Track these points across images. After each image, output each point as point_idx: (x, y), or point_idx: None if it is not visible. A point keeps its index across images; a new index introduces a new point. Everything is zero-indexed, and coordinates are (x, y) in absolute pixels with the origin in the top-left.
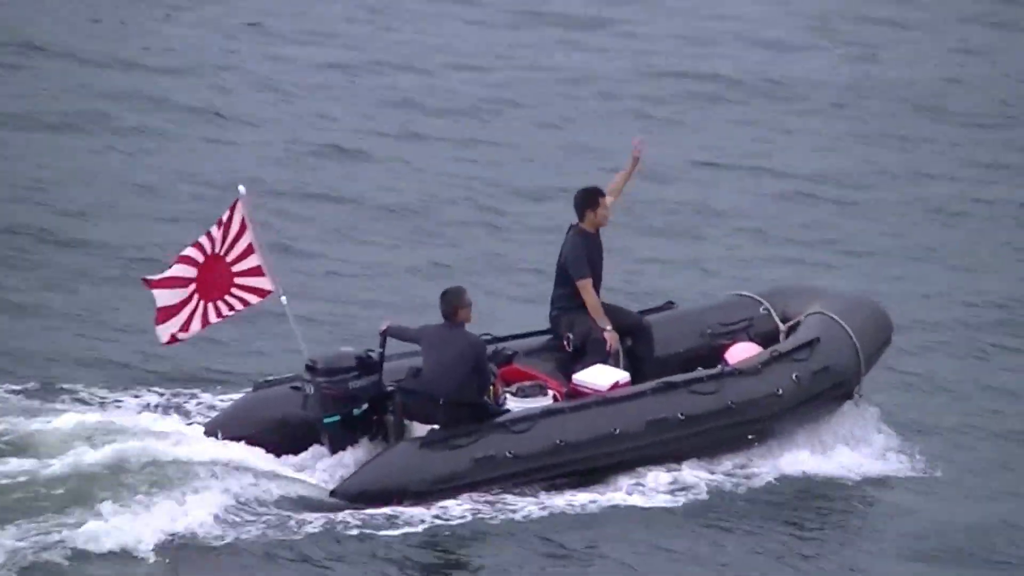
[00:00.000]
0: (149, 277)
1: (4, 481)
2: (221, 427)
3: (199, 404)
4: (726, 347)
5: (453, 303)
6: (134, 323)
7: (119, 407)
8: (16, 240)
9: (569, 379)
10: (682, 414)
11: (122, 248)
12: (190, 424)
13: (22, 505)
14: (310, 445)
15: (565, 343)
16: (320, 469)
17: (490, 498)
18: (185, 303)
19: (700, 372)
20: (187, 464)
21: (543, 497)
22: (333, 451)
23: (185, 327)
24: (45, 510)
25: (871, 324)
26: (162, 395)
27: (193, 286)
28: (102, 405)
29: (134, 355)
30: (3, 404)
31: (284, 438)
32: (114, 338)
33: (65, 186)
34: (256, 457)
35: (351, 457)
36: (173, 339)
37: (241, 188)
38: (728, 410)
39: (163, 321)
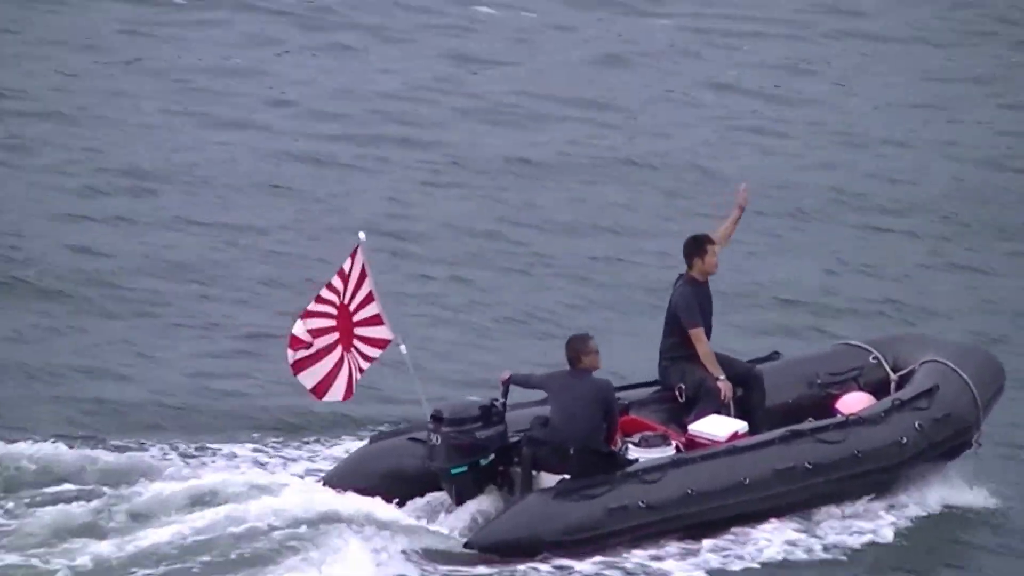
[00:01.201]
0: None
1: (130, 551)
2: (341, 479)
3: (311, 456)
4: (836, 397)
5: (577, 349)
6: (222, 371)
7: (228, 462)
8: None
9: (683, 429)
10: (809, 463)
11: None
12: (307, 478)
13: None
14: (427, 496)
15: (677, 393)
16: (446, 521)
17: (622, 551)
18: (327, 353)
19: (826, 421)
20: (321, 521)
21: (674, 549)
22: (459, 502)
23: (339, 386)
24: None
25: (986, 371)
26: (269, 448)
27: (335, 335)
28: (213, 461)
29: (231, 406)
30: (102, 468)
31: (403, 490)
32: (205, 389)
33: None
34: (385, 510)
35: (477, 508)
36: (321, 393)
37: (361, 235)
38: (854, 459)
39: (300, 370)
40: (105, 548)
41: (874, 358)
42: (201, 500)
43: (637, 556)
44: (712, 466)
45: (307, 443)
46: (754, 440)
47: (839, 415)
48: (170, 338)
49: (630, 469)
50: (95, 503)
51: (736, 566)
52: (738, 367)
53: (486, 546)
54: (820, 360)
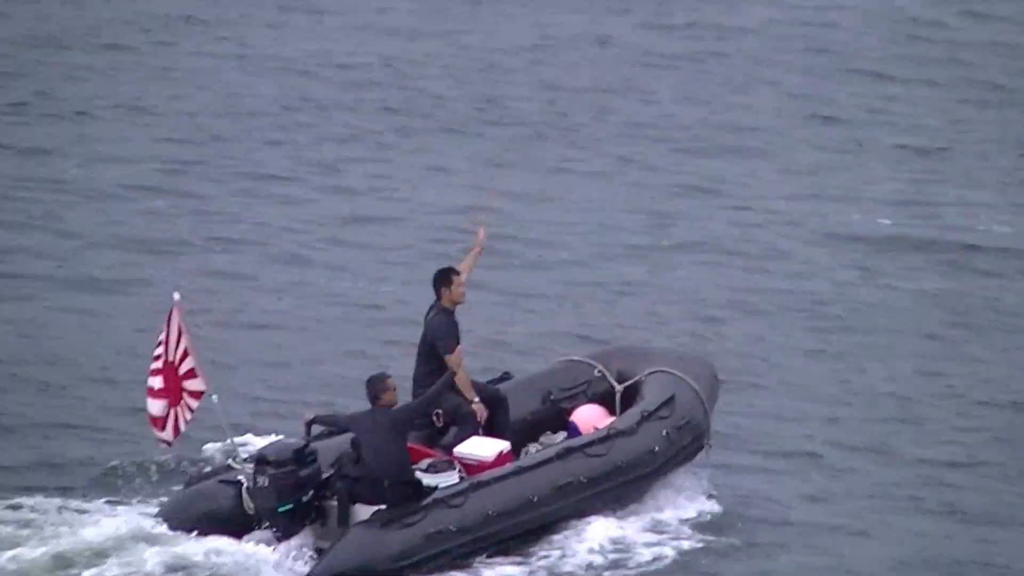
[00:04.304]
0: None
1: None
2: (169, 522)
3: (127, 503)
4: (569, 411)
5: (376, 388)
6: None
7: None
8: None
9: (445, 452)
10: (584, 477)
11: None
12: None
13: None
14: (249, 533)
15: (435, 418)
16: (276, 556)
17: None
18: (164, 405)
19: (591, 436)
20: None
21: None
22: (284, 538)
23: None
24: None
25: (707, 377)
26: (90, 499)
27: (166, 391)
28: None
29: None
30: None
31: (224, 529)
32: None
33: None
34: (227, 547)
35: (299, 542)
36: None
37: (176, 295)
38: (619, 469)
39: (159, 428)
40: None
41: (598, 371)
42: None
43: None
44: (504, 487)
45: (122, 492)
46: (535, 459)
47: (574, 426)
48: None
49: (436, 496)
50: None
51: None
52: (485, 390)
53: None
54: (549, 377)
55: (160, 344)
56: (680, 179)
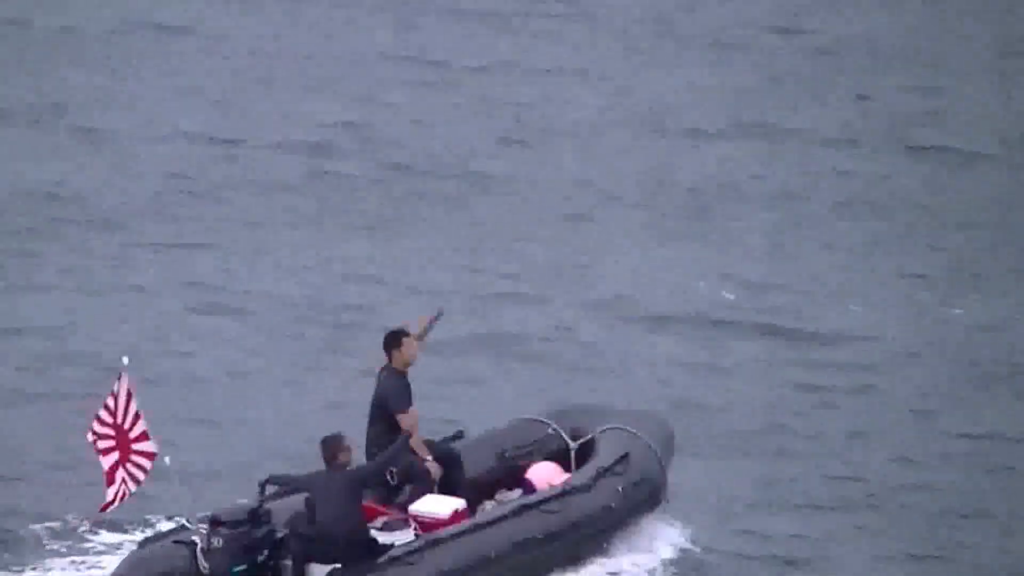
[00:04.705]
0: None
1: None
2: None
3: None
4: (524, 468)
5: (332, 448)
6: None
7: None
8: None
9: (400, 510)
10: (541, 533)
11: None
12: None
13: None
14: None
15: (388, 477)
16: None
17: None
18: (115, 470)
19: (547, 492)
20: None
21: None
22: None
23: (118, 497)
24: None
25: (662, 433)
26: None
27: (117, 455)
28: None
29: None
30: None
31: None
32: None
33: None
34: None
35: None
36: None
37: (124, 359)
38: (575, 525)
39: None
40: None
41: (552, 429)
42: None
43: None
44: (460, 544)
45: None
46: (491, 516)
47: (530, 483)
48: None
49: (392, 554)
50: None
51: None
52: (439, 448)
53: None
54: (504, 435)
55: (105, 408)
56: (513, 258)
